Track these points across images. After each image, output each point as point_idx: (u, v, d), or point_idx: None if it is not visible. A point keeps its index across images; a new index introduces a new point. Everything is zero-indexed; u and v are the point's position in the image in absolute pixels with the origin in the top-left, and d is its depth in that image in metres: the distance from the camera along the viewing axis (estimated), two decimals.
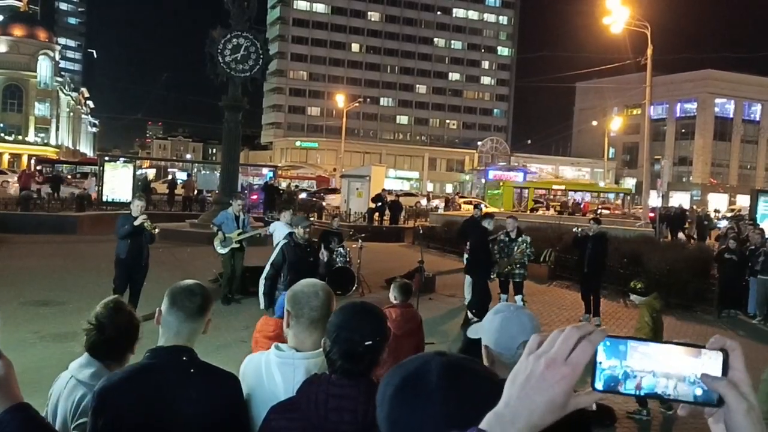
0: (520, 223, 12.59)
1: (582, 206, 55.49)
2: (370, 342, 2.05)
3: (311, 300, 2.44)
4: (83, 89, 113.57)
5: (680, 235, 27.73)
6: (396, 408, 1.10)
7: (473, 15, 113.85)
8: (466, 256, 12.91)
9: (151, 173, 42.77)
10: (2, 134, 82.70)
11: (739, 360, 0.87)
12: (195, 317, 2.35)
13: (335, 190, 46.33)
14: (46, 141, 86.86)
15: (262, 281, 8.05)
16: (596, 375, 0.87)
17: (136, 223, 9.37)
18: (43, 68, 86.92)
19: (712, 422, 0.88)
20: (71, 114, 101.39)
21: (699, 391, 0.86)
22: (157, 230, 9.83)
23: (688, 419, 0.90)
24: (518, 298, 11.68)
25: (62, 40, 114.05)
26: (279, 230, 10.65)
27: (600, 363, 0.87)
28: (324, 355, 2.14)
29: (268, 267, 8.15)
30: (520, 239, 11.76)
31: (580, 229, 12.30)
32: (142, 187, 29.90)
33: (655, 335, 7.58)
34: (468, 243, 12.52)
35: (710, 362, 0.86)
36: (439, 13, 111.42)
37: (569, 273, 16.35)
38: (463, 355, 1.25)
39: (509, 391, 0.89)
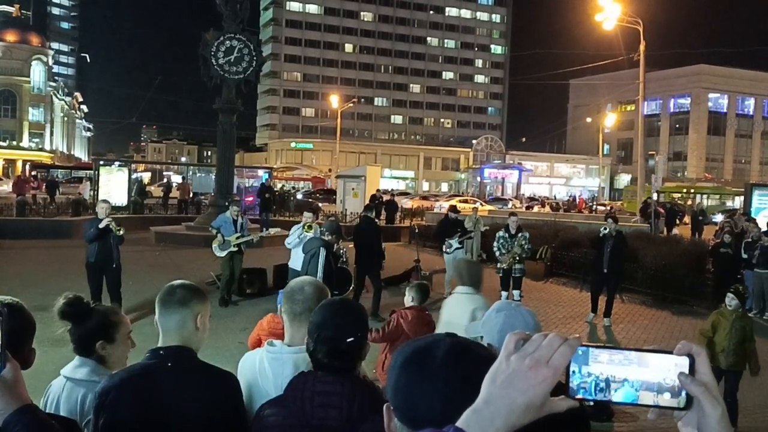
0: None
1: (577, 203, 55.70)
2: (352, 339, 2.07)
3: (296, 294, 2.49)
4: (77, 93, 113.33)
5: (675, 230, 27.82)
6: (401, 379, 1.16)
7: (466, 14, 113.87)
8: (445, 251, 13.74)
9: (146, 177, 42.72)
10: None
11: (704, 364, 0.89)
12: (177, 309, 2.38)
13: (331, 192, 46.12)
14: (40, 146, 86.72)
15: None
16: (570, 381, 0.90)
17: (101, 225, 9.44)
18: (37, 73, 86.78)
19: (681, 425, 0.91)
20: (65, 119, 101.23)
21: (668, 396, 0.88)
22: (121, 231, 9.85)
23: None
24: (516, 293, 11.82)
25: (55, 45, 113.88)
26: (292, 231, 10.59)
27: (573, 370, 0.90)
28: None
29: (322, 275, 8.21)
30: (519, 235, 11.95)
31: (607, 230, 12.05)
32: (137, 191, 29.85)
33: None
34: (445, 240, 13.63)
35: (677, 367, 0.88)
36: (431, 12, 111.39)
37: (566, 269, 16.41)
38: (473, 340, 1.29)
39: (489, 389, 0.91)
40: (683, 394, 0.88)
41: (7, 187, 50.60)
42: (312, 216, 10.60)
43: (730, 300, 7.05)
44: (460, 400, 1.10)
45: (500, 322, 2.23)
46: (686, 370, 0.88)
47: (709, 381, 0.88)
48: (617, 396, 0.89)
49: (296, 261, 10.37)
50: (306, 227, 10.21)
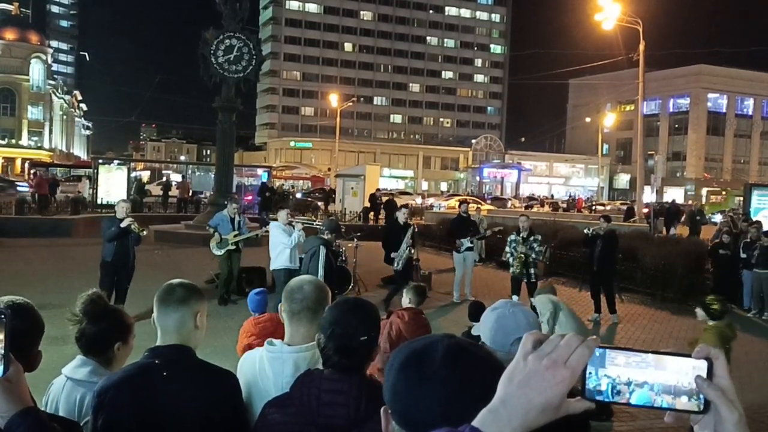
0: (514, 220, 12.57)
1: (576, 202, 55.77)
2: (366, 337, 2.07)
3: (295, 294, 2.48)
4: (76, 92, 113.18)
5: (673, 230, 27.86)
6: (399, 381, 1.15)
7: (465, 13, 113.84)
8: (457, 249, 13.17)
9: (145, 175, 42.67)
10: None
11: (722, 368, 0.89)
12: (176, 307, 2.37)
13: (327, 192, 45.09)
14: (39, 144, 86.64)
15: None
16: (586, 383, 0.89)
17: (123, 225, 9.33)
18: (36, 71, 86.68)
19: (697, 429, 0.90)
20: (64, 117, 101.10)
21: (685, 399, 0.88)
22: (144, 232, 9.81)
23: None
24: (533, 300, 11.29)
25: (54, 43, 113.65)
26: (277, 231, 10.61)
27: (590, 372, 0.89)
28: (316, 350, 2.16)
29: (322, 273, 8.28)
30: (532, 238, 11.56)
31: (591, 230, 12.13)
32: (136, 190, 29.85)
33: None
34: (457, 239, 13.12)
35: (695, 371, 0.88)
36: (431, 11, 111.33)
37: (565, 269, 16.41)
38: (471, 341, 1.28)
39: (506, 389, 0.90)
40: (700, 397, 0.87)
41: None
42: (288, 213, 11.00)
43: (699, 312, 6.54)
44: (460, 401, 1.10)
45: (492, 321, 2.24)
46: (704, 374, 0.87)
47: (726, 385, 0.88)
48: (634, 398, 0.88)
49: (282, 260, 10.42)
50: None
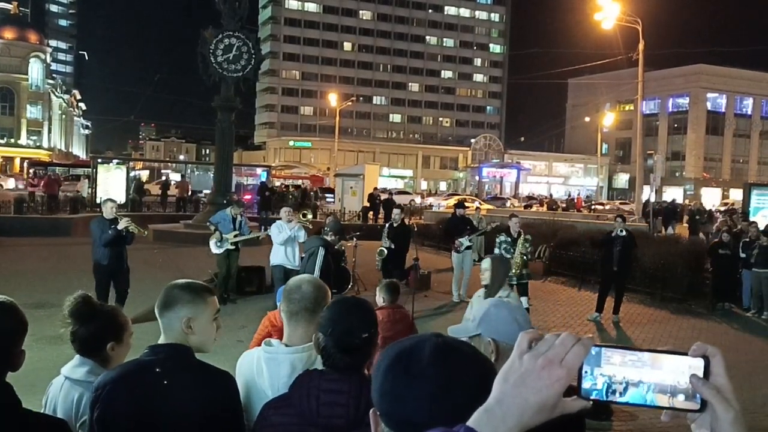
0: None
1: (575, 202, 55.80)
2: (367, 334, 2.06)
3: (293, 294, 2.47)
4: (75, 91, 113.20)
5: (671, 229, 27.87)
6: (387, 381, 1.13)
7: (465, 12, 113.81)
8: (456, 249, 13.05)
9: (144, 175, 42.63)
10: None
11: (720, 366, 0.88)
12: (163, 311, 2.35)
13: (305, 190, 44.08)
14: (38, 144, 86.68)
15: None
16: (582, 382, 0.88)
17: (120, 227, 8.86)
18: (35, 71, 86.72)
19: (695, 427, 0.90)
20: (63, 116, 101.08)
21: (682, 398, 0.87)
22: (145, 232, 9.61)
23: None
24: (524, 300, 10.86)
25: (53, 42, 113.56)
26: (272, 228, 10.72)
27: (586, 371, 0.88)
28: (313, 351, 2.15)
29: (318, 275, 8.31)
30: (520, 238, 11.50)
31: (623, 231, 12.04)
32: (135, 189, 29.83)
33: None
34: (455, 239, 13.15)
35: (691, 369, 0.87)
36: (430, 11, 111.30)
37: (564, 269, 16.42)
38: (459, 339, 1.28)
39: (501, 388, 0.89)
40: (697, 396, 0.86)
41: (5, 184, 50.66)
42: (287, 211, 11.11)
43: None
44: (449, 399, 1.09)
45: (506, 316, 2.18)
46: (700, 372, 0.87)
47: (723, 384, 0.87)
48: (629, 397, 0.88)
49: (278, 257, 10.50)
50: (302, 215, 10.91)
